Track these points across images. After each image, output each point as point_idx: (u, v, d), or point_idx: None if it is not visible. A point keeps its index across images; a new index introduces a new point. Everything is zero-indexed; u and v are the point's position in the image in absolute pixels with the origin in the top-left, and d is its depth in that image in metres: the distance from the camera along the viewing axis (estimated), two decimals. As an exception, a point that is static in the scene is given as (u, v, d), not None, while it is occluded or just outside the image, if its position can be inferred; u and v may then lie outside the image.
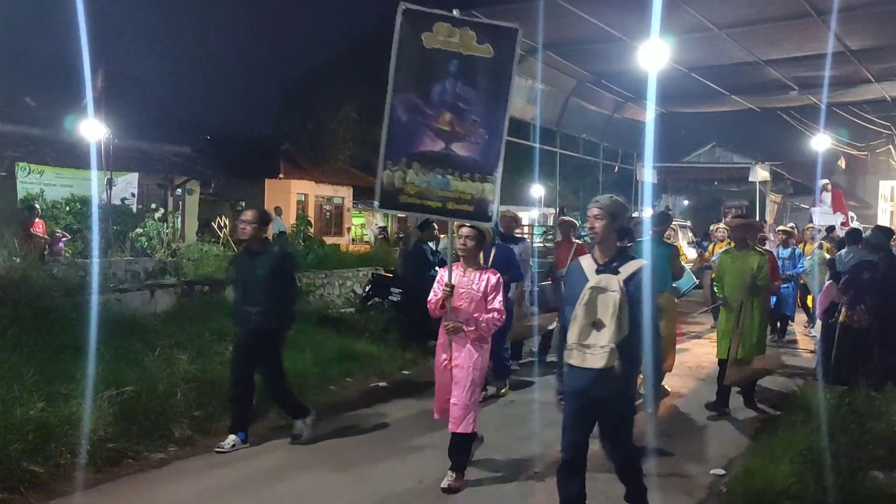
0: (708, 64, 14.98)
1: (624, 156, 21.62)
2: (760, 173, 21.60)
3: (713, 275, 7.66)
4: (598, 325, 3.69)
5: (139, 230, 15.79)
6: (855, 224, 16.79)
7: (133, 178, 18.80)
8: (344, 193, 28.11)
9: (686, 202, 33.71)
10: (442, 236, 10.64)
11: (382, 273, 10.93)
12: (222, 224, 16.24)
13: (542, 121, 17.05)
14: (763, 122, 24.12)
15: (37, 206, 15.28)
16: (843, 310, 7.24)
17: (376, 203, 5.00)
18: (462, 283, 4.92)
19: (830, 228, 14.26)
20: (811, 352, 9.57)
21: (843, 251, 8.00)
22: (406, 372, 8.36)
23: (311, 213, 25.03)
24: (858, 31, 12.69)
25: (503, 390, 7.55)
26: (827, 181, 17.17)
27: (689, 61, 14.47)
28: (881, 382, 6.50)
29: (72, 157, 16.61)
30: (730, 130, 30.80)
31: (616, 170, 21.55)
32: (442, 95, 4.82)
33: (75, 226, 16.33)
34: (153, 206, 18.13)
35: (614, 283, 3.70)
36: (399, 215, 28.40)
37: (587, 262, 3.90)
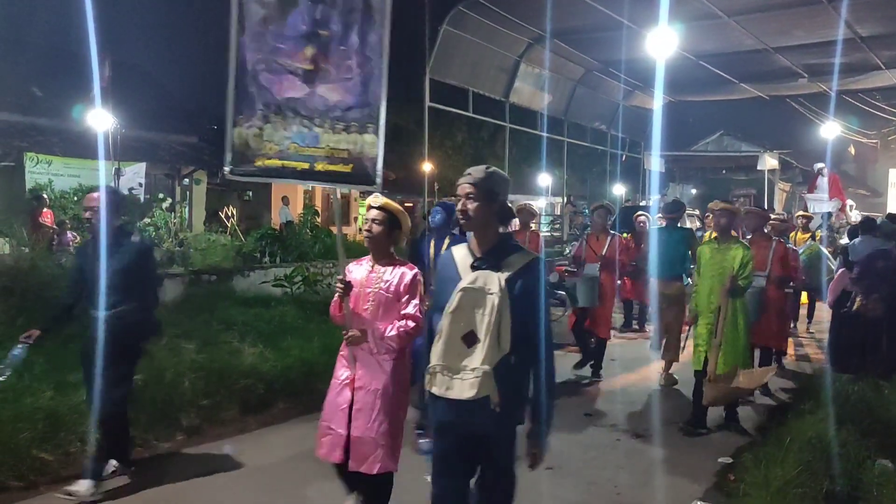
0: (716, 52, 14.89)
1: (631, 144, 21.55)
2: (769, 162, 21.47)
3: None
4: (469, 339, 2.79)
5: (147, 220, 15.83)
6: (853, 212, 16.54)
7: (141, 167, 18.83)
8: (351, 183, 28.06)
9: (694, 191, 33.60)
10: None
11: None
12: (230, 214, 16.29)
13: (550, 109, 17.01)
14: (772, 111, 23.98)
15: (45, 196, 15.34)
16: (857, 299, 7.21)
17: (226, 169, 3.80)
18: (368, 280, 3.88)
19: (826, 216, 13.96)
20: (819, 341, 9.53)
21: (856, 240, 7.95)
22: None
23: (318, 203, 25.02)
24: (868, 18, 12.58)
25: None
26: (822, 164, 16.65)
27: (697, 49, 14.38)
28: (890, 371, 6.47)
29: (79, 147, 16.64)
30: (738, 119, 30.68)
31: (624, 158, 21.49)
32: (298, 24, 3.73)
33: (83, 216, 16.38)
34: (161, 195, 18.16)
35: (493, 282, 2.80)
36: (406, 205, 28.34)
37: (461, 255, 3.00)
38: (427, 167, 15.66)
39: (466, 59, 13.70)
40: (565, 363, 7.56)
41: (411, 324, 3.76)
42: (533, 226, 13.47)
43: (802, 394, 6.54)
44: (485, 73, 14.53)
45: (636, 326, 10.61)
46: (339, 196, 4.26)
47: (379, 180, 3.85)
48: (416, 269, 3.89)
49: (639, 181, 23.06)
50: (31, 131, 17.07)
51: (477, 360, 2.78)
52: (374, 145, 3.81)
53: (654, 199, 18.39)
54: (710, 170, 30.58)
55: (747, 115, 28.56)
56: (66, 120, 16.99)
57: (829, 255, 9.56)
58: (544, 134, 17.23)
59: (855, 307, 7.21)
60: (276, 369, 6.44)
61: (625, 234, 10.04)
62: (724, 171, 29.86)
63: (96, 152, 14.85)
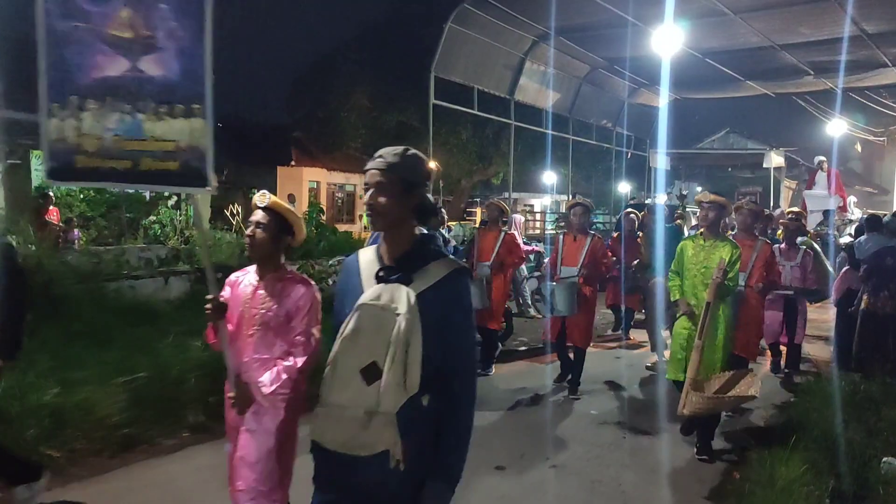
0: (722, 49, 14.83)
1: (637, 142, 21.49)
2: (775, 159, 21.42)
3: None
4: (369, 374, 2.13)
5: (152, 217, 15.88)
6: (854, 209, 16.26)
7: (146, 165, 18.85)
8: (356, 181, 28.14)
9: (699, 189, 33.51)
10: (452, 223, 10.63)
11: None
12: (235, 212, 16.30)
13: (555, 107, 16.98)
14: (778, 108, 23.91)
15: (51, 193, 15.37)
16: (864, 297, 7.19)
17: (43, 175, 3.15)
18: (254, 299, 3.20)
19: (826, 214, 13.64)
20: (826, 339, 9.50)
21: (862, 238, 7.93)
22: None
23: (323, 201, 25.07)
24: (875, 15, 12.52)
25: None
26: (822, 159, 16.15)
27: (703, 46, 14.33)
28: (898, 369, 6.46)
29: (85, 145, 16.65)
30: (744, 116, 30.60)
31: (629, 156, 21.44)
32: None
33: (89, 213, 16.44)
34: (166, 193, 18.19)
35: (402, 298, 2.15)
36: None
37: (367, 260, 2.34)
38: (432, 165, 15.65)
39: (471, 57, 13.67)
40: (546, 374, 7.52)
41: (300, 360, 3.06)
42: (516, 226, 13.42)
43: (808, 392, 6.54)
44: (490, 71, 14.50)
45: (620, 333, 9.89)
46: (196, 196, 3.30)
47: (214, 183, 3.11)
48: (312, 284, 3.26)
49: (644, 179, 23.01)
50: (37, 129, 17.06)
51: (377, 401, 2.12)
52: (203, 134, 3.01)
53: (659, 196, 18.37)
54: (715, 167, 30.51)
55: (753, 112, 28.50)
56: (71, 118, 16.99)
57: (820, 251, 8.83)
58: (549, 132, 17.20)
59: (863, 306, 7.19)
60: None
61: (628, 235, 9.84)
62: (729, 169, 29.79)
63: (102, 150, 14.84)
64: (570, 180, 21.76)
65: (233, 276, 3.33)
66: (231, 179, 23.47)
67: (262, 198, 3.26)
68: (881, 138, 31.42)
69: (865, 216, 9.12)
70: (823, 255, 8.82)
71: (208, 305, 3.08)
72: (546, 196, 31.79)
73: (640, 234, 9.33)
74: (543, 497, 4.66)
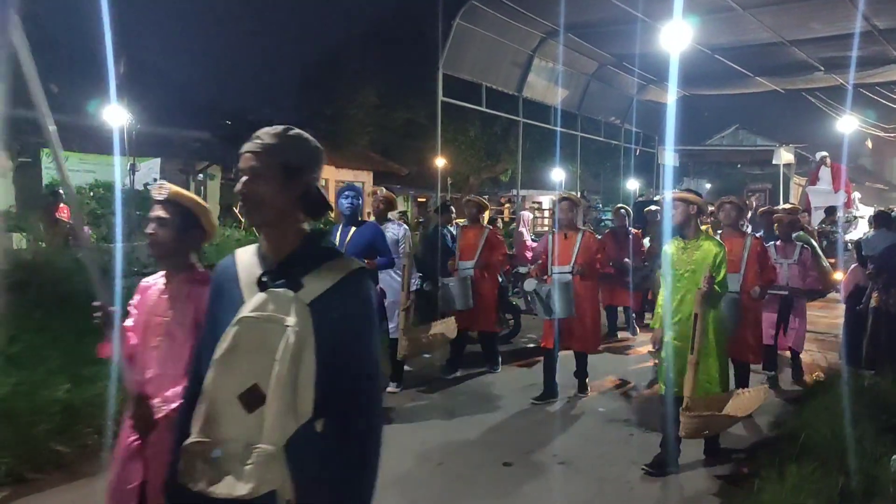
0: (731, 45, 14.75)
1: (645, 139, 21.43)
2: (784, 156, 21.31)
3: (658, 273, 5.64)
4: (250, 399, 1.75)
5: (162, 215, 15.91)
6: (858, 204, 15.98)
7: (155, 163, 18.97)
8: (364, 178, 28.14)
9: (708, 185, 33.41)
10: (460, 220, 10.60)
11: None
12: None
13: (563, 104, 16.94)
14: (787, 104, 23.81)
15: (61, 191, 15.45)
16: (874, 294, 7.15)
17: None
18: (159, 307, 2.82)
19: (830, 210, 13.32)
20: (835, 336, 9.45)
21: (869, 234, 7.88)
22: (427, 355, 8.37)
23: (331, 198, 25.03)
24: (886, 11, 12.42)
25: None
26: (825, 154, 15.87)
27: (712, 42, 14.27)
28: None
29: (95, 142, 16.76)
30: (753, 113, 30.46)
31: (637, 153, 21.38)
32: None
33: (99, 211, 16.52)
34: (176, 191, 18.24)
35: (290, 308, 1.78)
36: (419, 199, 28.44)
37: (246, 262, 1.97)
38: (440, 162, 15.64)
39: (479, 54, 13.65)
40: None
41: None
42: (524, 223, 13.33)
43: (818, 389, 6.51)
44: (498, 68, 14.48)
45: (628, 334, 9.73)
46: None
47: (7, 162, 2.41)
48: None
49: (652, 176, 22.93)
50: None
51: (259, 433, 1.72)
52: None
53: (668, 193, 18.30)
54: (724, 164, 30.41)
55: (762, 108, 28.36)
56: (81, 116, 17.10)
57: (817, 247, 8.49)
58: (558, 128, 17.17)
59: (873, 303, 7.14)
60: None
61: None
62: (738, 166, 29.69)
63: (112, 148, 14.98)
64: (578, 177, 21.69)
65: (145, 281, 2.95)
66: (238, 176, 23.54)
67: (159, 190, 2.85)
68: (892, 135, 31.19)
69: (875, 212, 8.99)
70: (821, 252, 8.61)
71: (96, 314, 2.66)
72: (555, 193, 31.69)
73: (636, 229, 9.33)
74: (550, 494, 4.67)
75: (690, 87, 18.92)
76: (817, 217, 13.17)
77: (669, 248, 5.15)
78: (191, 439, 1.80)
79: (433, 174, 17.68)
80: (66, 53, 19.87)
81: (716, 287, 4.75)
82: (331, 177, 26.61)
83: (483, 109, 14.90)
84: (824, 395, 6.11)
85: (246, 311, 1.80)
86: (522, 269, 10.88)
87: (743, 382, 6.14)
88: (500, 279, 9.27)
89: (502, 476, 4.90)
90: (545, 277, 6.72)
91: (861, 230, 13.78)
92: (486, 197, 31.16)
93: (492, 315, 7.76)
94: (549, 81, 16.14)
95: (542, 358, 6.92)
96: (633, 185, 24.23)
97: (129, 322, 2.90)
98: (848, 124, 19.58)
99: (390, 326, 6.66)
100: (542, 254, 7.00)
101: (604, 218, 21.60)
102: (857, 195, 16.61)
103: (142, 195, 17.09)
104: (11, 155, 16.35)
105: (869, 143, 34.58)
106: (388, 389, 6.65)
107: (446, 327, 7.05)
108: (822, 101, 21.30)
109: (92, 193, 16.98)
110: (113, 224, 14.92)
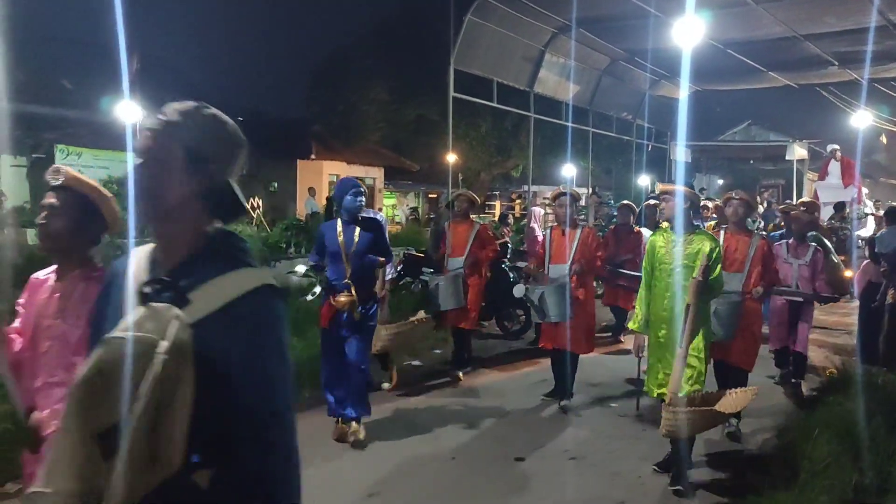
0: (744, 40, 14.66)
1: (657, 134, 21.35)
2: (797, 151, 21.19)
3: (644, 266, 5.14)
4: (108, 440, 1.35)
5: (175, 211, 16.02)
6: (867, 200, 15.59)
7: (168, 159, 19.06)
8: (375, 174, 28.19)
9: (720, 182, 33.26)
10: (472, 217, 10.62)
11: (414, 253, 10.99)
12: (255, 205, 16.44)
13: (575, 99, 16.90)
14: (801, 100, 23.58)
15: (75, 187, 15.56)
16: (890, 292, 7.10)
17: None
18: (50, 307, 2.48)
19: (839, 206, 12.99)
20: (848, 332, 9.40)
21: (883, 231, 7.83)
22: (438, 351, 8.40)
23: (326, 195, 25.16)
24: (902, 4, 12.32)
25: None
26: (836, 147, 15.40)
27: (724, 37, 14.18)
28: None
29: (108, 139, 16.89)
30: (766, 108, 30.23)
31: (649, 148, 21.30)
32: None
33: (112, 207, 16.63)
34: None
35: (167, 328, 1.40)
36: (430, 195, 28.40)
37: (138, 265, 1.63)
38: (451, 158, 15.65)
39: (491, 49, 13.64)
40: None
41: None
42: (535, 219, 13.24)
43: (831, 385, 6.48)
44: (509, 63, 14.45)
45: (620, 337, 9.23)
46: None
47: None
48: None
49: (664, 172, 22.85)
50: (62, 123, 17.35)
51: (116, 486, 1.33)
52: None
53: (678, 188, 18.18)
54: (737, 160, 30.23)
55: (776, 104, 28.12)
56: (95, 112, 17.23)
57: (830, 247, 8.06)
58: (569, 124, 17.13)
59: (889, 300, 7.10)
60: (303, 357, 6.51)
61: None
62: (751, 162, 29.52)
63: (125, 144, 15.06)
64: (590, 173, 21.65)
65: (35, 276, 2.58)
66: (251, 173, 23.64)
67: (54, 175, 2.51)
68: (907, 130, 30.95)
69: (888, 208, 8.84)
70: (834, 252, 8.19)
71: None
72: (563, 188, 31.61)
73: (636, 227, 9.06)
74: (562, 488, 4.67)
75: (703, 83, 18.84)
76: (826, 213, 12.89)
77: (657, 241, 4.85)
78: (32, 488, 1.39)
79: (444, 170, 17.68)
80: (80, 50, 20.01)
81: (713, 282, 4.54)
82: (342, 172, 26.65)
83: (494, 105, 14.88)
84: (837, 392, 6.09)
85: (117, 328, 1.42)
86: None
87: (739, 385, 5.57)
88: (511, 275, 9.27)
89: (515, 471, 4.92)
90: (542, 272, 6.46)
91: (869, 227, 13.56)
92: (498, 193, 31.21)
93: (473, 312, 7.37)
94: (561, 77, 16.11)
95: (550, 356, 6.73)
96: (644, 181, 24.15)
97: (15, 323, 2.53)
98: (862, 119, 19.42)
99: None
100: (539, 250, 6.73)
101: (615, 214, 21.57)
102: (866, 190, 16.09)
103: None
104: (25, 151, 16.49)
105: (883, 139, 34.23)
106: (384, 386, 6.70)
107: (418, 321, 6.62)
108: (836, 97, 21.15)
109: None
110: (126, 220, 15.03)
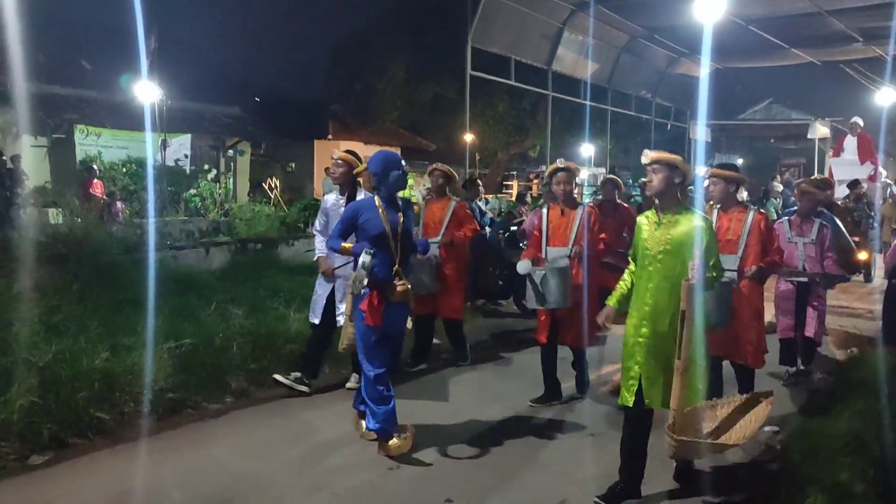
0: (767, 16, 14.45)
1: (677, 113, 21.16)
2: (820, 130, 20.86)
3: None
4: None
5: (193, 191, 16.14)
6: (885, 178, 14.89)
7: (186, 139, 19.14)
8: (392, 154, 28.14)
9: (740, 161, 32.88)
10: (489, 196, 10.58)
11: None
12: (273, 185, 16.48)
13: (593, 77, 16.75)
14: (824, 77, 23.20)
15: (95, 167, 15.70)
16: None
17: None
18: None
19: (854, 183, 12.36)
20: (870, 312, 9.30)
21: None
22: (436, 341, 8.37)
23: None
24: (929, -22, 12.08)
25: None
26: (856, 120, 14.65)
27: (746, 13, 13.98)
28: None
29: (127, 119, 16.97)
30: (788, 86, 29.77)
31: (669, 127, 21.10)
32: None
33: (132, 187, 16.76)
34: (206, 167, 18.50)
35: None
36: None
37: None
38: (468, 137, 15.61)
39: (509, 27, 13.53)
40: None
41: None
42: (532, 197, 13.04)
43: (853, 365, 6.43)
44: (527, 41, 14.34)
45: None
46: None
47: None
48: None
49: (684, 151, 22.65)
50: (81, 104, 17.44)
51: None
52: None
53: (700, 169, 18.03)
54: (757, 139, 29.85)
55: (798, 81, 27.68)
56: (114, 92, 17.31)
57: (840, 224, 7.39)
58: (587, 102, 17.00)
59: None
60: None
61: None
62: (772, 141, 29.14)
63: (143, 124, 15.14)
64: (608, 152, 21.52)
65: None
66: (269, 153, 23.70)
67: None
68: (932, 108, 30.41)
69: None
70: (844, 231, 7.55)
71: None
72: (584, 169, 31.47)
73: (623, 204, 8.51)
74: (580, 464, 4.68)
75: (723, 60, 18.60)
76: (840, 192, 12.34)
77: (642, 223, 4.11)
78: None
79: (461, 149, 17.61)
80: (99, 31, 20.06)
81: (711, 274, 3.85)
82: (359, 152, 26.63)
83: (512, 83, 14.79)
84: (860, 370, 6.04)
85: None
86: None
87: (746, 388, 5.11)
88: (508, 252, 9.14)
89: (531, 447, 4.93)
90: (539, 256, 5.80)
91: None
92: (515, 173, 31.07)
93: (457, 300, 6.79)
94: (579, 55, 15.97)
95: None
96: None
97: None
98: (887, 97, 19.10)
99: (338, 313, 5.76)
100: (535, 230, 5.99)
101: (634, 194, 21.42)
102: (882, 170, 15.19)
103: (173, 171, 17.34)
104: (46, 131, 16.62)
105: (907, 117, 33.72)
106: (348, 385, 5.95)
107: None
108: (859, 74, 20.81)
109: (125, 169, 17.22)
110: (145, 199, 15.15)
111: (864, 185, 12.34)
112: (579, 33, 15.34)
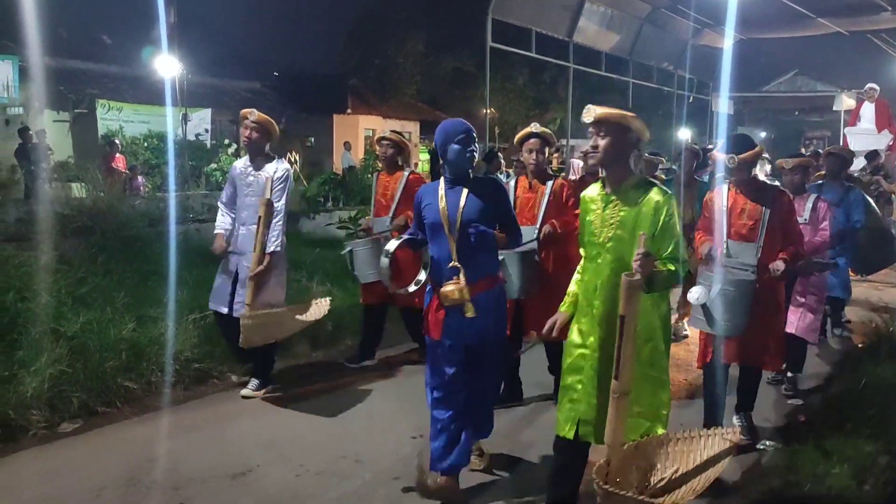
0: (793, -16, 14.16)
1: (699, 85, 20.85)
2: (846, 102, 20.49)
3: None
4: None
5: (213, 165, 16.20)
6: None
7: (206, 114, 19.20)
8: (411, 128, 28.05)
9: (764, 134, 32.45)
10: (509, 170, 10.51)
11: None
12: (293, 160, 16.52)
13: (615, 49, 16.54)
14: (851, 47, 22.76)
15: (117, 141, 15.81)
16: None
17: None
18: None
19: (872, 155, 10.99)
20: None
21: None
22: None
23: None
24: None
25: None
26: (872, 86, 13.56)
27: (773, -18, 13.70)
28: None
29: (148, 93, 17.05)
30: (814, 57, 29.20)
31: (691, 100, 20.82)
32: None
33: (153, 161, 16.87)
34: (226, 141, 18.56)
35: None
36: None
37: None
38: (488, 111, 15.51)
39: (529, -2, 13.39)
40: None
41: None
42: (574, 172, 12.94)
43: (879, 340, 6.36)
44: (548, 12, 14.16)
45: None
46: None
47: None
48: None
49: (706, 124, 22.37)
50: (103, 79, 17.54)
51: None
52: None
53: (720, 143, 17.83)
54: (782, 111, 29.46)
55: (824, 52, 27.15)
56: (134, 67, 17.38)
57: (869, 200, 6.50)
58: (608, 74, 16.80)
59: None
60: (343, 307, 6.58)
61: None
62: (796, 113, 28.74)
63: (164, 99, 15.20)
64: (629, 126, 21.32)
65: None
66: (288, 128, 23.74)
67: None
68: (962, 79, 29.76)
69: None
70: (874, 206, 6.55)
71: None
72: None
73: None
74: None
75: (748, 31, 18.26)
76: (858, 164, 11.59)
77: (588, 200, 3.21)
78: None
79: (480, 123, 17.50)
80: (119, 5, 20.09)
81: (663, 266, 2.92)
82: (378, 127, 26.60)
83: (532, 55, 14.64)
84: (885, 344, 5.97)
85: None
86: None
87: (744, 400, 4.45)
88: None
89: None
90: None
91: None
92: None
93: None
94: (601, 26, 15.75)
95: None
96: (685, 134, 23.66)
97: None
98: (915, 67, 18.71)
99: (236, 300, 4.99)
100: None
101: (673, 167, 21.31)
102: None
103: (194, 145, 17.41)
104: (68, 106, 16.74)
105: (937, 89, 33.05)
106: (243, 392, 5.10)
107: (315, 308, 5.25)
108: (888, 44, 20.37)
109: (146, 144, 17.32)
110: (167, 173, 15.26)
111: (882, 157, 11.74)
112: (601, 4, 15.12)
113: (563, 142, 18.93)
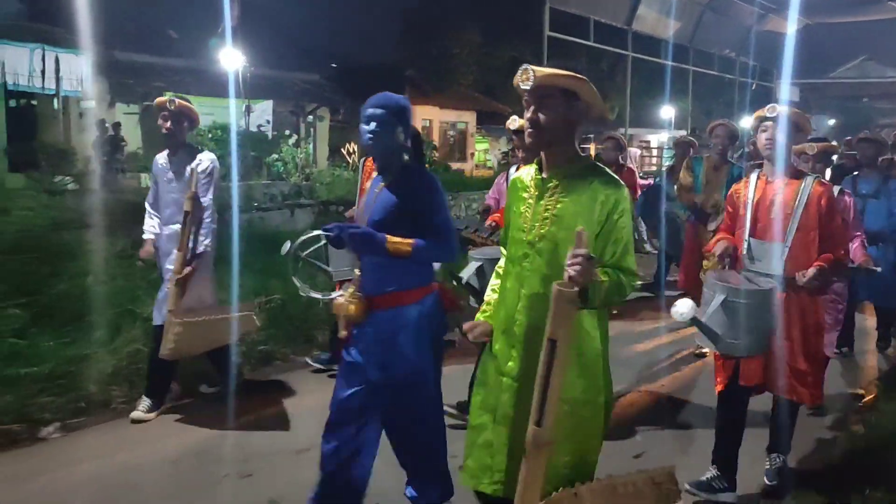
0: (862, -34, 13.73)
1: (762, 72, 20.40)
2: (918, 88, 19.78)
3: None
4: None
5: (275, 156, 16.60)
6: None
7: (268, 105, 19.63)
8: (467, 118, 28.14)
9: (831, 122, 31.51)
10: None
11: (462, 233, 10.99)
12: (351, 150, 16.79)
13: (675, 37, 16.30)
14: (924, 31, 21.94)
15: (183, 133, 16.29)
16: None
17: None
18: None
19: None
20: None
21: None
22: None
23: (435, 139, 25.28)
24: None
25: None
26: None
27: (840, -35, 13.32)
28: None
29: (212, 86, 17.49)
30: (883, 41, 28.20)
31: (753, 87, 20.36)
32: None
33: (217, 152, 17.33)
34: (287, 132, 18.95)
35: None
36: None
37: None
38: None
39: (587, -14, 13.32)
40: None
41: None
42: (632, 160, 12.85)
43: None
44: (606, 1, 14.07)
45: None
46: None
47: None
48: None
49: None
50: (168, 72, 18.07)
51: None
52: None
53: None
54: (849, 98, 28.57)
55: (894, 36, 26.26)
56: (198, 60, 17.87)
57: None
58: (669, 63, 16.58)
59: None
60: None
61: None
62: (865, 100, 27.86)
63: (227, 91, 15.61)
64: (689, 115, 20.93)
65: None
66: (347, 119, 24.05)
67: None
68: None
69: None
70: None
71: None
72: (663, 131, 30.75)
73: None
74: (662, 414, 4.72)
75: (814, 15, 17.79)
76: None
77: (517, 185, 2.50)
78: None
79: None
80: (184, 0, 20.66)
81: (604, 275, 2.20)
82: (434, 117, 26.77)
83: (591, 44, 14.56)
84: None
85: None
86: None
87: (777, 439, 3.66)
88: None
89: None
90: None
91: None
92: (592, 136, 30.59)
93: None
94: (661, 13, 15.57)
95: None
96: (747, 122, 23.17)
97: None
98: None
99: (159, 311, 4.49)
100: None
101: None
102: None
103: (256, 136, 17.85)
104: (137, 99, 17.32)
105: None
106: (135, 413, 4.41)
107: (244, 319, 4.66)
108: (964, 27, 19.56)
109: (210, 135, 17.82)
110: (230, 164, 15.69)
111: None
112: (661, -9, 14.95)
113: (622, 130, 18.76)
